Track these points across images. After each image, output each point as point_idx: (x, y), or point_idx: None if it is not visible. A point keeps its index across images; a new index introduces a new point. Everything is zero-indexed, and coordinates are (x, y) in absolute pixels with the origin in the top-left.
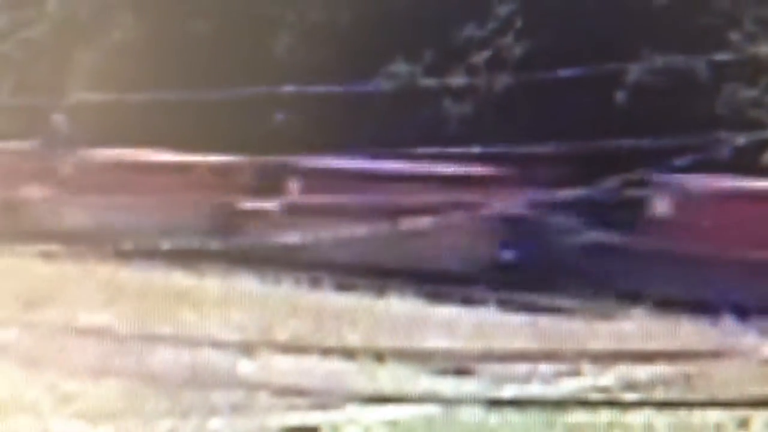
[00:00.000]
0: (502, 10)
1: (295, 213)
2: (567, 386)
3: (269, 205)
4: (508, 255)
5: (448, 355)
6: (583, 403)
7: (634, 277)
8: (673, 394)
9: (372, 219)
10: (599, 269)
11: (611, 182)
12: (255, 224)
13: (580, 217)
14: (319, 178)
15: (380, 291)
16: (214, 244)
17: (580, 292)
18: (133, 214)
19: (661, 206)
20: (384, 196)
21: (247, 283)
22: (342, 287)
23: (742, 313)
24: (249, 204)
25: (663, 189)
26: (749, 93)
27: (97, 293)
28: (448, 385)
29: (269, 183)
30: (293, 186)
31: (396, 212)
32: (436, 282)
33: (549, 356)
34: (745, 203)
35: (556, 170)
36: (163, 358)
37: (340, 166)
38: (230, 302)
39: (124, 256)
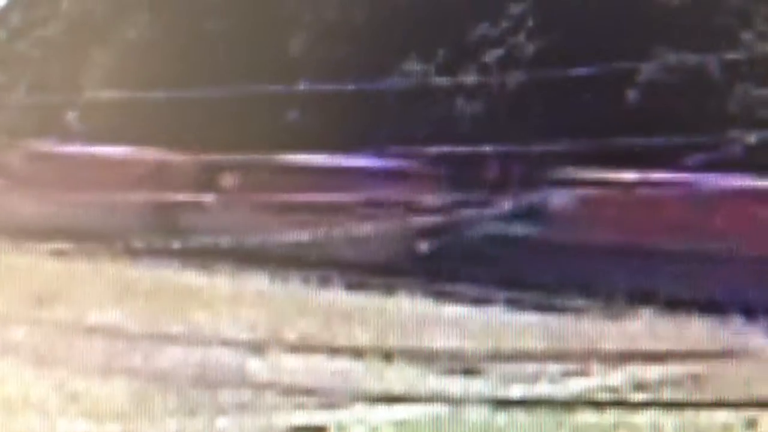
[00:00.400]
0: (515, 9)
1: (232, 208)
2: (575, 386)
3: (206, 199)
4: (424, 247)
5: (456, 354)
6: (591, 403)
7: (539, 268)
8: (681, 395)
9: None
10: (505, 260)
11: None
12: (192, 219)
13: (493, 210)
14: (258, 174)
15: (389, 290)
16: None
17: (488, 281)
18: (74, 210)
19: (560, 200)
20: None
21: (256, 282)
22: (351, 286)
23: (751, 313)
24: (186, 198)
25: (564, 183)
26: (761, 92)
27: (107, 291)
28: (456, 385)
29: (207, 178)
30: (230, 181)
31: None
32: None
33: (557, 356)
34: (646, 193)
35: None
36: (172, 356)
37: (280, 162)
38: (240, 301)
39: (134, 254)
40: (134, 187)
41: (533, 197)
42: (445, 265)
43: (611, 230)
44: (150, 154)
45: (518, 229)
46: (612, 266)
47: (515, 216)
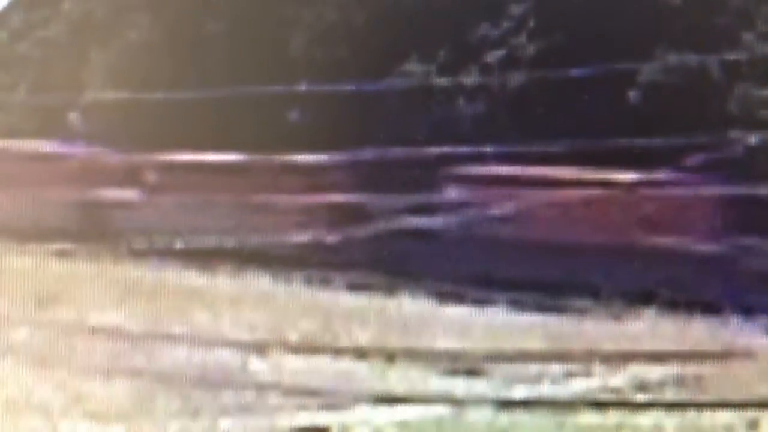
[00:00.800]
0: (516, 10)
1: (155, 204)
2: (577, 387)
3: (130, 195)
4: (332, 238)
5: (458, 355)
6: (593, 403)
7: (433, 259)
8: (683, 395)
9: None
10: (403, 252)
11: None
12: (117, 214)
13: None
14: (180, 172)
15: (391, 291)
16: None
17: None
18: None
19: (452, 193)
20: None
21: (258, 283)
22: (353, 287)
23: (752, 314)
24: (111, 194)
25: (456, 177)
26: (761, 92)
27: (109, 292)
28: (458, 386)
29: (131, 175)
30: (151, 178)
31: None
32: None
33: (559, 357)
34: (538, 189)
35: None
36: (175, 357)
37: (199, 160)
38: (242, 302)
39: (136, 255)
40: (62, 183)
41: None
42: (345, 257)
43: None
44: (78, 149)
45: (423, 221)
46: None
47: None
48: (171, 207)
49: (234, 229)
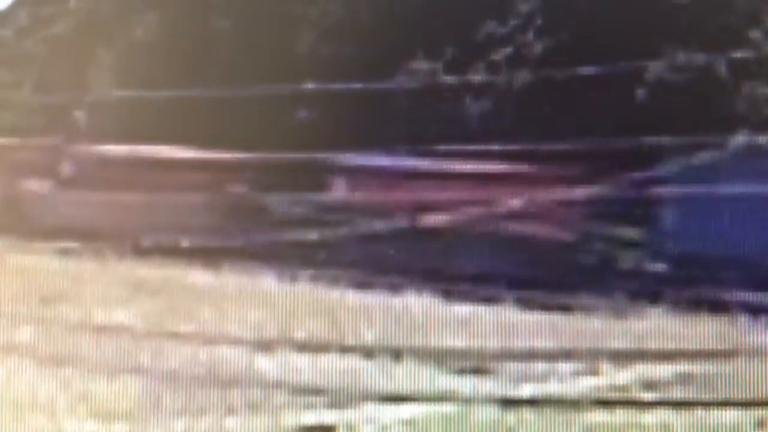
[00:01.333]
0: (523, 7)
1: (66, 194)
2: (584, 385)
3: (43, 185)
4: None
5: (465, 353)
6: (600, 402)
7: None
8: (691, 394)
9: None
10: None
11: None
12: (30, 207)
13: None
14: (95, 164)
15: (397, 289)
16: (234, 241)
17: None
18: None
19: (339, 187)
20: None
21: (265, 281)
22: (359, 285)
23: (759, 311)
24: (25, 185)
25: (343, 170)
26: None
27: (114, 290)
28: (465, 384)
29: (47, 165)
30: (66, 168)
31: None
32: None
33: (567, 355)
34: (421, 181)
35: None
36: (180, 355)
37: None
38: (248, 300)
39: (142, 252)
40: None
41: None
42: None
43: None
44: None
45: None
46: None
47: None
48: (76, 202)
49: (132, 229)
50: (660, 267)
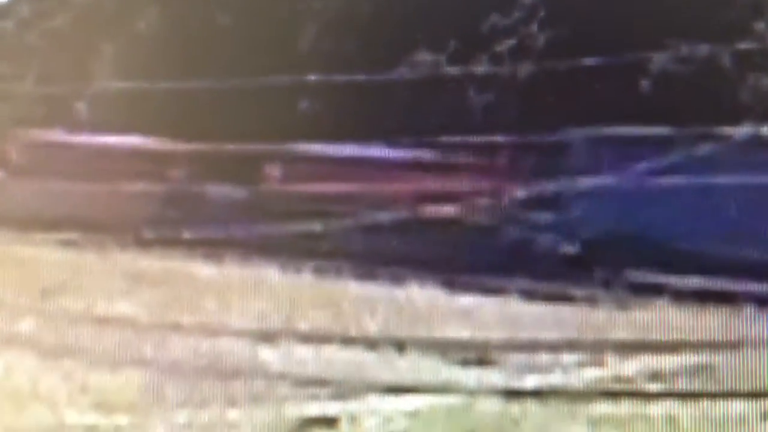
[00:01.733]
0: None
1: (18, 182)
2: (589, 376)
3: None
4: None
5: (469, 344)
6: (605, 393)
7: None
8: (696, 385)
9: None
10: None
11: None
12: None
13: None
14: (44, 150)
15: (400, 280)
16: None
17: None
18: None
19: (272, 172)
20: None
21: (268, 272)
22: (362, 276)
23: (764, 302)
24: None
25: (278, 156)
26: None
27: (117, 282)
28: (469, 375)
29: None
30: (14, 158)
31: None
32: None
33: (571, 346)
34: (366, 169)
35: None
36: (183, 347)
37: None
38: (251, 291)
39: (144, 244)
40: None
41: None
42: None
43: None
44: None
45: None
46: None
47: None
48: (26, 191)
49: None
50: None
